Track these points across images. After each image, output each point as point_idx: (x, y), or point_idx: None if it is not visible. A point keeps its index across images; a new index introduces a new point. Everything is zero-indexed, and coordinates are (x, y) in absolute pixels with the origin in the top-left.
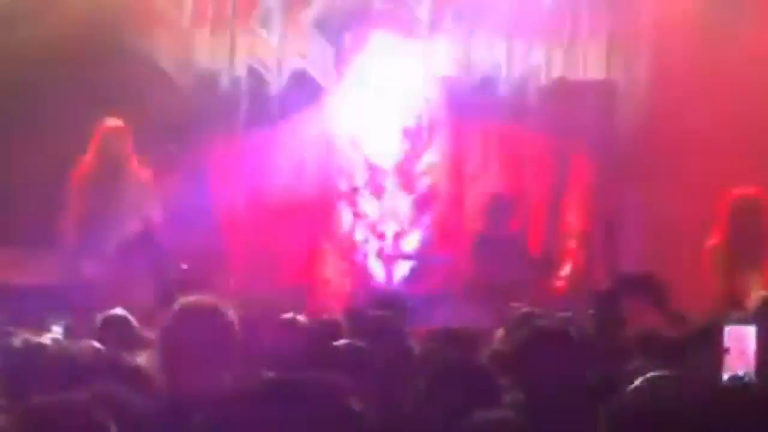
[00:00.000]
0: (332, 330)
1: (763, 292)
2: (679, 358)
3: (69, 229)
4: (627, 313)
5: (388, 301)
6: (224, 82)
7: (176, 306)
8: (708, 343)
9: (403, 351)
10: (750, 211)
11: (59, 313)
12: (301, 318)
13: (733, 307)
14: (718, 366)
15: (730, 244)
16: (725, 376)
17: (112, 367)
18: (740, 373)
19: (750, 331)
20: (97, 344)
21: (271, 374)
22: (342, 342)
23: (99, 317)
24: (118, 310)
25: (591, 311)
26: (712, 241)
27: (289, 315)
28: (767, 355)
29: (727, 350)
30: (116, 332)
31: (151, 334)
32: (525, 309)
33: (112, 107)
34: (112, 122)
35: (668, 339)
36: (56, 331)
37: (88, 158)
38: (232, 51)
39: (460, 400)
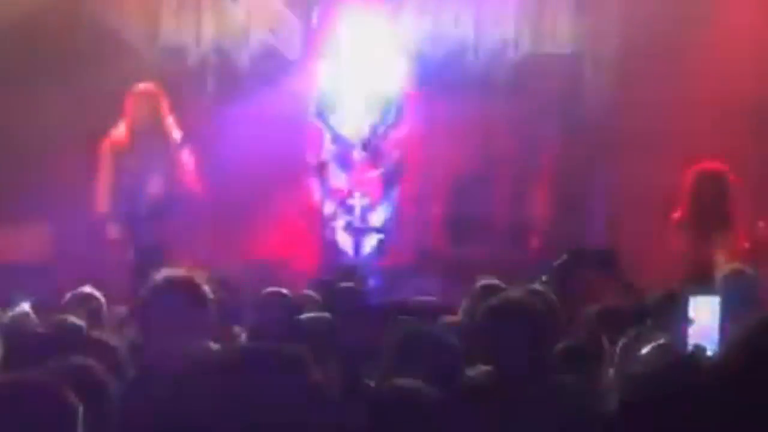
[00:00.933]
0: (300, 303)
1: (727, 268)
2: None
3: (101, 197)
4: (584, 286)
5: (355, 273)
6: (192, 56)
7: (153, 280)
8: (669, 314)
9: (369, 323)
10: (714, 186)
11: (29, 291)
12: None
13: (699, 282)
14: (682, 336)
15: (694, 217)
16: (689, 347)
17: (80, 343)
18: (704, 343)
19: (714, 303)
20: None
21: (238, 347)
22: (309, 315)
23: (68, 295)
24: (87, 288)
25: (546, 282)
26: (677, 214)
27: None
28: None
29: (691, 321)
30: (85, 310)
31: (122, 311)
32: (486, 281)
33: (77, 81)
34: (144, 87)
35: (623, 311)
36: (24, 308)
37: (124, 123)
38: (199, 25)
39: (425, 373)
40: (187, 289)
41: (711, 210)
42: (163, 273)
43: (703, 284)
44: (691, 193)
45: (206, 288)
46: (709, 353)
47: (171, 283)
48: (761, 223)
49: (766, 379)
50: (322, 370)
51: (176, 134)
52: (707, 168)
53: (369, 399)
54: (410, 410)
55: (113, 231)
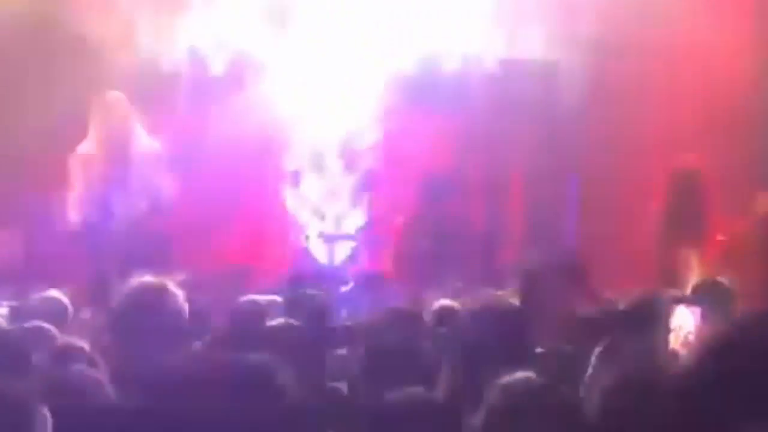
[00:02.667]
0: (268, 309)
1: (701, 277)
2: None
3: (72, 208)
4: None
5: (326, 280)
6: (166, 62)
7: (127, 286)
8: (646, 322)
9: (339, 330)
10: (687, 184)
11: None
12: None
13: (671, 282)
14: (656, 344)
15: (667, 214)
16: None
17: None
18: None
19: (693, 312)
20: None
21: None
22: (278, 321)
23: (34, 298)
24: (53, 292)
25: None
26: (652, 211)
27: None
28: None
29: (670, 329)
30: (51, 313)
31: (86, 316)
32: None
33: (50, 88)
34: (111, 95)
35: (590, 320)
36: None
37: (90, 134)
38: (173, 32)
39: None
40: (159, 295)
41: (684, 208)
42: (135, 279)
43: (674, 284)
44: (666, 191)
45: (178, 294)
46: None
47: (144, 289)
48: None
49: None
50: (290, 377)
51: (147, 142)
52: (681, 166)
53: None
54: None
55: (85, 241)
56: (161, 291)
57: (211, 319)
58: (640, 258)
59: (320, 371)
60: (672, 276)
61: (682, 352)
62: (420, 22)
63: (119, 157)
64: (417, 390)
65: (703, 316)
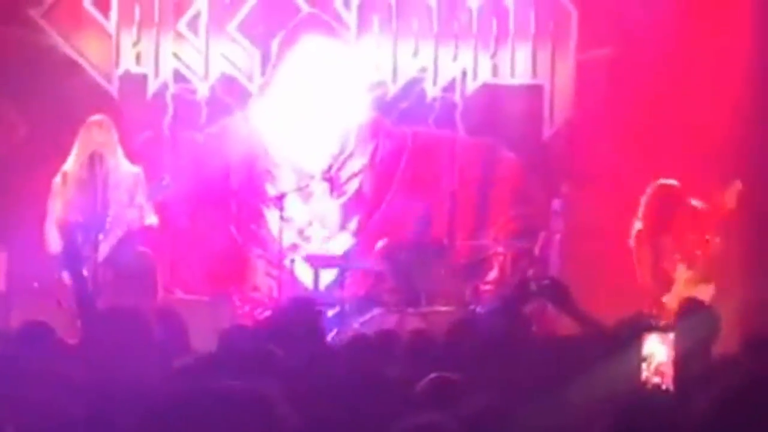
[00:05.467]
0: (254, 335)
1: (683, 297)
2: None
3: (53, 233)
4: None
5: (312, 306)
6: (151, 86)
7: (99, 312)
8: (623, 349)
9: (324, 356)
10: (670, 204)
11: None
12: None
13: (654, 303)
14: (635, 373)
15: (651, 234)
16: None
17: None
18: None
19: (668, 339)
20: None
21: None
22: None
23: (18, 325)
24: (39, 319)
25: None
26: (638, 227)
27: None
28: (685, 363)
29: (644, 359)
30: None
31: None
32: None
33: (36, 109)
34: (95, 118)
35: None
36: None
37: (73, 157)
38: (158, 55)
39: (378, 408)
40: (132, 321)
41: (667, 227)
42: (108, 305)
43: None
44: (649, 210)
45: (151, 320)
46: (663, 389)
47: (116, 315)
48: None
49: None
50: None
51: (130, 167)
52: (664, 185)
53: None
54: None
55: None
56: (134, 317)
57: (190, 344)
58: (623, 283)
59: (305, 399)
60: (656, 297)
61: (655, 381)
62: (407, 44)
63: (99, 179)
64: None
65: (678, 344)
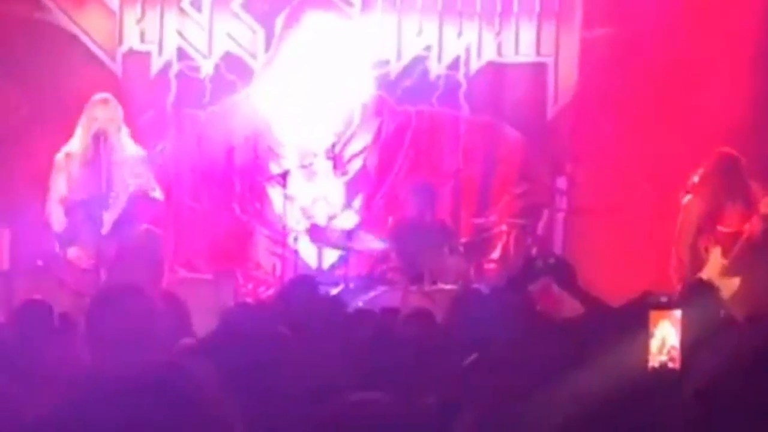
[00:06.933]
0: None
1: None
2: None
3: (55, 212)
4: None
5: (317, 284)
6: (155, 64)
7: (100, 290)
8: (630, 328)
9: (333, 335)
10: (731, 173)
11: None
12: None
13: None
14: (643, 353)
15: (702, 201)
16: (651, 364)
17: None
18: (665, 360)
19: (676, 317)
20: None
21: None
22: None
23: (18, 304)
24: (37, 297)
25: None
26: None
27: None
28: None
29: (652, 336)
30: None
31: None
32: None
33: (38, 87)
34: (99, 96)
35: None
36: None
37: (77, 136)
38: (162, 33)
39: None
40: (134, 298)
41: (722, 198)
42: (109, 282)
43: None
44: (709, 178)
45: (155, 298)
46: (671, 368)
47: (118, 293)
48: None
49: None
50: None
51: (133, 145)
52: (730, 154)
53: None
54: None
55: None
56: (135, 294)
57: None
58: (629, 260)
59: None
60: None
61: (665, 362)
62: (411, 21)
63: (104, 158)
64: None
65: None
